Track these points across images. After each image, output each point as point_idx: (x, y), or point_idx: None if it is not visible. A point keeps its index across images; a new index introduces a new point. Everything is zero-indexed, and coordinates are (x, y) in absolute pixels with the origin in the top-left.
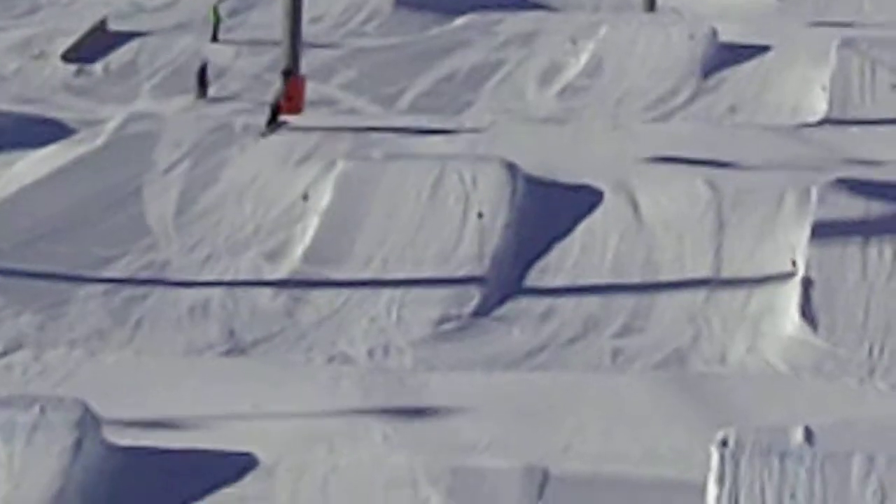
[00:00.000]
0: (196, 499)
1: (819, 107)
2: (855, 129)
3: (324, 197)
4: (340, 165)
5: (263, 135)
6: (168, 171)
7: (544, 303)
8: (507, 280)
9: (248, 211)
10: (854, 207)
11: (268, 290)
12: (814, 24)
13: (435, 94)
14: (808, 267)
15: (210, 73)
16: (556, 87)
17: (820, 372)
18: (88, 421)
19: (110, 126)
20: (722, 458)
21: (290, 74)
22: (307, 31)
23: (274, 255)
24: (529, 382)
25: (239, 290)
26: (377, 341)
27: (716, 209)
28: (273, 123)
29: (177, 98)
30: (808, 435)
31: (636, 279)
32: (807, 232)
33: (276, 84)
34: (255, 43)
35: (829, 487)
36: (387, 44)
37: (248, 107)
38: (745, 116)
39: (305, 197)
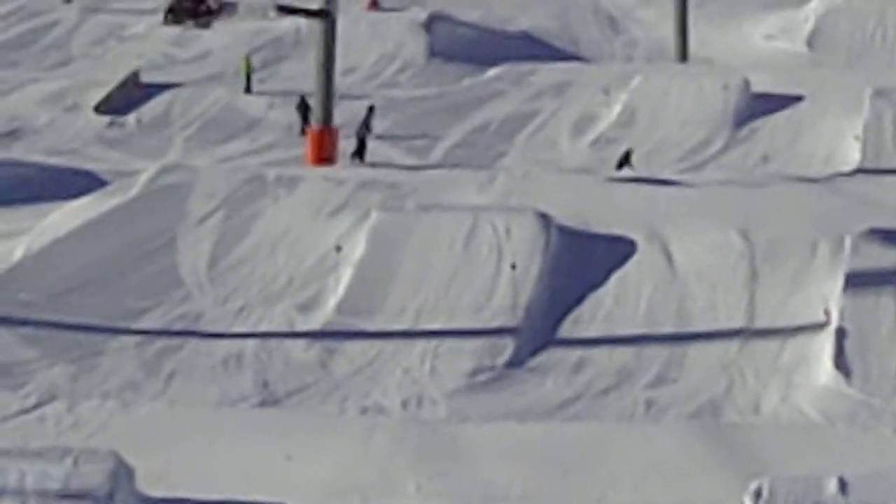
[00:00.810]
0: None
1: (852, 156)
2: (888, 178)
3: (357, 248)
4: (374, 216)
5: (352, 159)
6: (201, 222)
7: (577, 353)
8: (540, 331)
9: (281, 262)
10: (887, 257)
11: (301, 342)
12: (846, 73)
13: (468, 144)
14: (841, 317)
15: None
16: (589, 137)
17: (854, 422)
18: (122, 473)
19: (143, 178)
20: None
21: (373, 109)
22: (340, 82)
23: (307, 307)
24: (563, 433)
25: (272, 342)
26: (411, 392)
27: (748, 259)
28: (360, 153)
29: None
30: (842, 485)
31: (669, 329)
32: (840, 282)
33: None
34: (288, 94)
35: None
36: (420, 95)
37: (282, 158)
38: (778, 166)
39: (339, 248)
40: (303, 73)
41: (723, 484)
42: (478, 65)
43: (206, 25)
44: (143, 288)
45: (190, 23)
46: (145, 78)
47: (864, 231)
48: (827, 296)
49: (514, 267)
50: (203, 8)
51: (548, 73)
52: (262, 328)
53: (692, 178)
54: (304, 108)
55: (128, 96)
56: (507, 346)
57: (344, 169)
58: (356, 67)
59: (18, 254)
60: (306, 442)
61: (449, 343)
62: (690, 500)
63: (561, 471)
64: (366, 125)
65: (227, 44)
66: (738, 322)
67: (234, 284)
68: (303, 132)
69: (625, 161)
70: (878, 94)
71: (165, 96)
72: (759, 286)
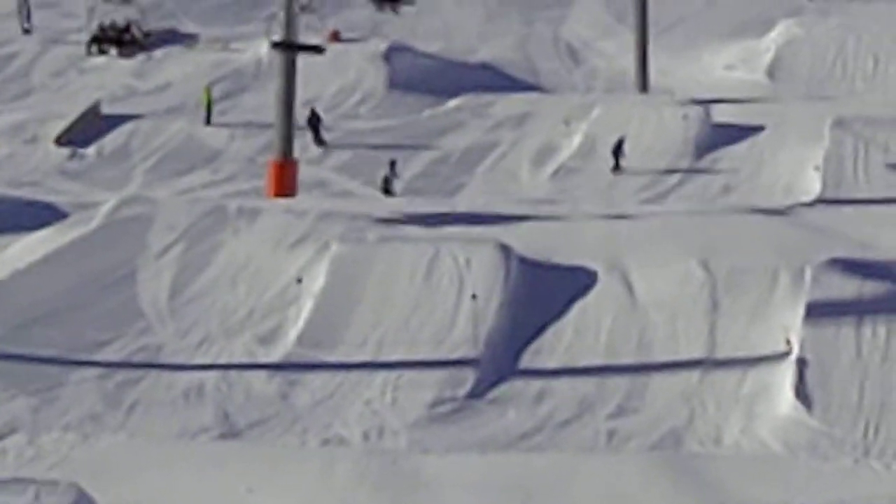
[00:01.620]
0: None
1: (813, 187)
2: (848, 208)
3: (318, 280)
4: (334, 248)
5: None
6: (161, 254)
7: (538, 384)
8: (501, 362)
9: (241, 294)
10: (848, 287)
11: (262, 374)
12: (807, 103)
13: (428, 175)
14: (802, 347)
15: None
16: (550, 168)
17: (815, 452)
18: None
19: (103, 210)
20: None
21: (395, 163)
22: (300, 113)
23: (268, 339)
24: (524, 464)
25: (233, 374)
26: (372, 424)
27: (709, 290)
28: (387, 194)
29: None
30: None
31: (630, 360)
32: (801, 312)
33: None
34: (249, 125)
35: None
36: (380, 126)
37: (243, 189)
38: (739, 196)
39: (299, 280)
40: (263, 105)
41: None
42: (438, 96)
43: (131, 55)
44: (104, 320)
45: (114, 52)
46: (106, 110)
47: (824, 261)
48: (788, 326)
49: (474, 298)
50: (127, 37)
51: (508, 103)
52: (223, 360)
53: (653, 208)
54: (315, 121)
55: (88, 128)
56: (468, 377)
57: (303, 200)
58: (317, 99)
59: None
60: (267, 474)
61: (410, 374)
62: None
63: (523, 502)
64: (389, 178)
65: (187, 75)
66: (699, 352)
67: (195, 316)
68: (319, 143)
69: (618, 150)
70: (839, 124)
71: (126, 128)
72: (720, 316)
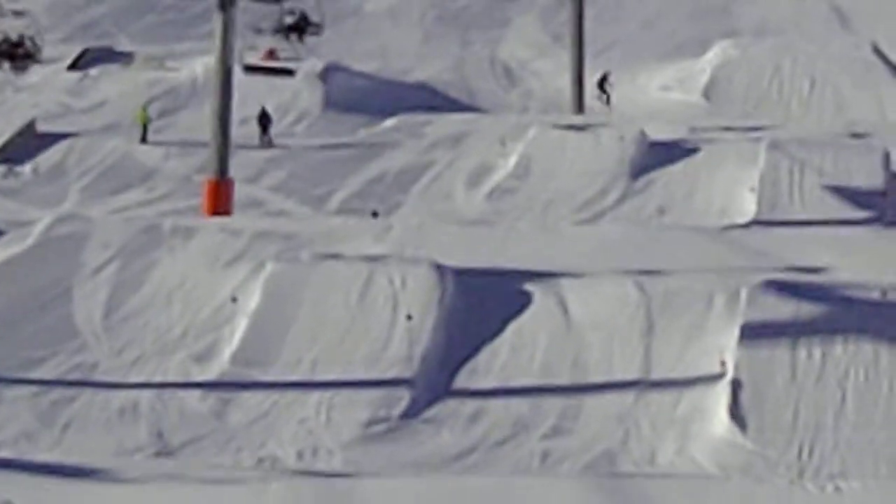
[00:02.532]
0: None
1: (748, 208)
2: (783, 230)
3: (252, 298)
4: (269, 267)
5: None
6: (97, 272)
7: (473, 404)
8: (436, 382)
9: (176, 313)
10: (783, 309)
11: (196, 392)
12: (742, 125)
13: (364, 195)
14: (737, 368)
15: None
16: (485, 188)
17: (749, 473)
18: None
19: (38, 227)
20: None
21: (377, 214)
22: (236, 132)
23: (203, 357)
24: (459, 484)
25: (168, 392)
26: (306, 443)
27: (645, 311)
28: None
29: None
30: None
31: (565, 381)
32: (736, 334)
33: None
34: (184, 144)
35: None
36: (315, 145)
37: (178, 208)
38: (674, 218)
39: (234, 299)
40: (199, 124)
41: None
42: (374, 115)
43: (24, 69)
44: (39, 338)
45: (6, 65)
46: (41, 127)
47: (759, 283)
48: (723, 347)
49: (409, 318)
50: (21, 51)
51: (444, 123)
52: (158, 379)
53: (588, 228)
54: (265, 121)
55: (24, 146)
56: (403, 396)
57: (239, 219)
58: (252, 117)
59: None
60: (201, 493)
61: (344, 394)
62: None
63: None
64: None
65: (123, 93)
66: (634, 373)
67: (130, 335)
68: (267, 143)
69: (603, 82)
70: (774, 145)
71: (61, 146)
72: (655, 337)
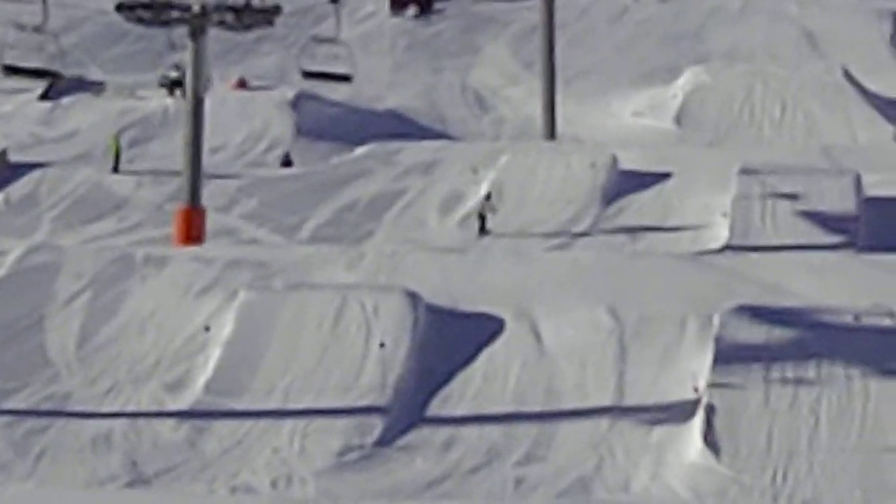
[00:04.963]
0: None
1: (720, 233)
2: (756, 255)
3: (225, 327)
4: (242, 296)
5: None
6: (69, 302)
7: (447, 432)
8: (409, 409)
9: (149, 342)
10: (756, 334)
11: (170, 421)
12: (714, 150)
13: (336, 223)
14: (710, 394)
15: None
16: (457, 215)
17: (724, 499)
18: None
19: (11, 258)
20: None
21: (490, 196)
22: (208, 161)
23: (176, 386)
24: None
25: (141, 422)
26: (280, 472)
27: (618, 337)
28: (483, 231)
29: None
30: None
31: (538, 407)
32: (709, 359)
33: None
34: (156, 173)
35: None
36: (287, 174)
37: (150, 237)
38: (647, 244)
39: (207, 328)
40: (171, 153)
41: None
42: (345, 143)
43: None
44: (11, 368)
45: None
46: (13, 157)
47: (732, 308)
48: (696, 373)
49: (382, 345)
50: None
51: (415, 151)
52: (131, 408)
53: (561, 255)
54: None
55: None
56: (377, 424)
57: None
58: (224, 146)
59: None
60: None
61: (318, 422)
62: None
63: None
64: (485, 211)
65: (94, 123)
66: (607, 399)
67: (103, 364)
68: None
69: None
70: (746, 171)
71: (33, 175)
72: (628, 363)
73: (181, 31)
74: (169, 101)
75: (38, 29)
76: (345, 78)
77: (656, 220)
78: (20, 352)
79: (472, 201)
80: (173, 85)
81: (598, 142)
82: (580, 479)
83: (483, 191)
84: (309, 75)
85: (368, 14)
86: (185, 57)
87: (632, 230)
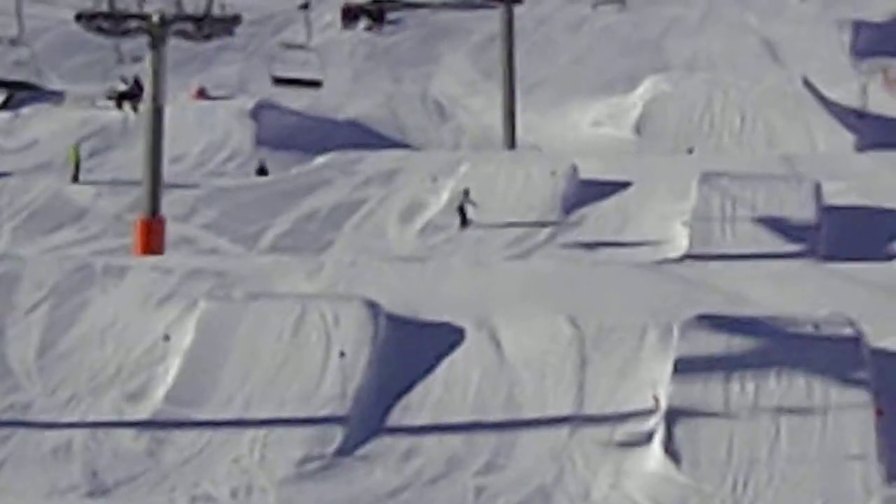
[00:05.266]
0: None
1: (680, 242)
2: (716, 264)
3: (185, 337)
4: (201, 306)
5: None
6: (29, 312)
7: (407, 441)
8: (369, 419)
9: (109, 351)
10: (716, 343)
11: (130, 431)
12: (674, 159)
13: (296, 233)
14: (670, 403)
15: None
16: (417, 224)
17: None
18: None
19: None
20: None
21: (468, 192)
22: (168, 170)
23: (136, 396)
24: None
25: (101, 432)
26: (240, 481)
27: (578, 346)
28: (465, 224)
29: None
30: None
31: (498, 417)
32: (669, 368)
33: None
34: (116, 183)
35: None
36: (247, 183)
37: (110, 247)
38: (607, 253)
39: (167, 337)
40: (131, 162)
41: None
42: (305, 153)
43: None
44: None
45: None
46: None
47: (692, 317)
48: (656, 382)
49: (342, 355)
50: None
51: (375, 160)
52: (91, 418)
53: (521, 264)
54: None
55: None
56: (337, 434)
57: (171, 258)
58: (184, 156)
59: None
60: None
61: (278, 432)
62: None
63: None
64: (464, 205)
65: (54, 133)
66: (567, 409)
67: (63, 374)
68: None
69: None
70: (706, 179)
71: None
72: (588, 373)
73: (130, 45)
74: (125, 112)
75: (14, 42)
76: (315, 84)
77: (616, 230)
78: None
79: (433, 210)
80: (121, 97)
81: (558, 151)
82: (541, 488)
83: (444, 198)
84: (279, 81)
85: (327, 24)
86: (133, 69)
87: (591, 240)
